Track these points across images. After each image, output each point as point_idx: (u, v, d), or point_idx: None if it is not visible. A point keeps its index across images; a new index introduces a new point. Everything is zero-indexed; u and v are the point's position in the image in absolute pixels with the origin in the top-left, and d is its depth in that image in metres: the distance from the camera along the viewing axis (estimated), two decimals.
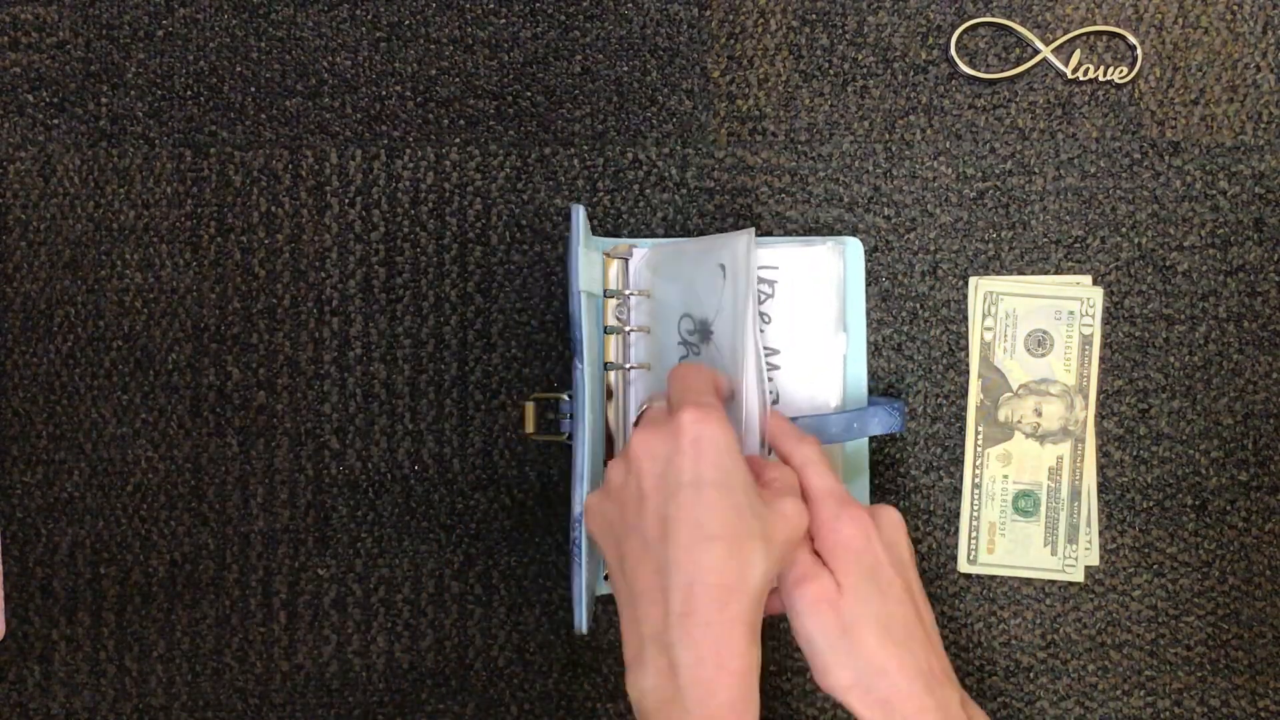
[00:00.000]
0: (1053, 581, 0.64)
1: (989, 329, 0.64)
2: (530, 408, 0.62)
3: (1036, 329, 0.63)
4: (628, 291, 0.62)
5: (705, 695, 0.46)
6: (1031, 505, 0.63)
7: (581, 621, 0.56)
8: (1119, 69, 0.65)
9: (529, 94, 0.65)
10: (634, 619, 0.49)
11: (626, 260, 0.63)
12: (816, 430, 0.58)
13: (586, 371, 0.55)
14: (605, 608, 0.65)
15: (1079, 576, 0.63)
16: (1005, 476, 0.64)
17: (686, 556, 0.47)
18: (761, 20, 0.65)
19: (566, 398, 0.60)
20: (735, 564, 0.47)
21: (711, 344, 0.59)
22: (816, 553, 0.51)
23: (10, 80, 0.65)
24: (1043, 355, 0.63)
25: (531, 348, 0.65)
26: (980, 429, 0.64)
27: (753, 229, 0.58)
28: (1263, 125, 0.65)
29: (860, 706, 0.49)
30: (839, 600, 0.50)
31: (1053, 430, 0.64)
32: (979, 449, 0.64)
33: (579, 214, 0.56)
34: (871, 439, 0.64)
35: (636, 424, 0.55)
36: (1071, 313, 0.63)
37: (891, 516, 0.53)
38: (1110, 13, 0.65)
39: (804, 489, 0.52)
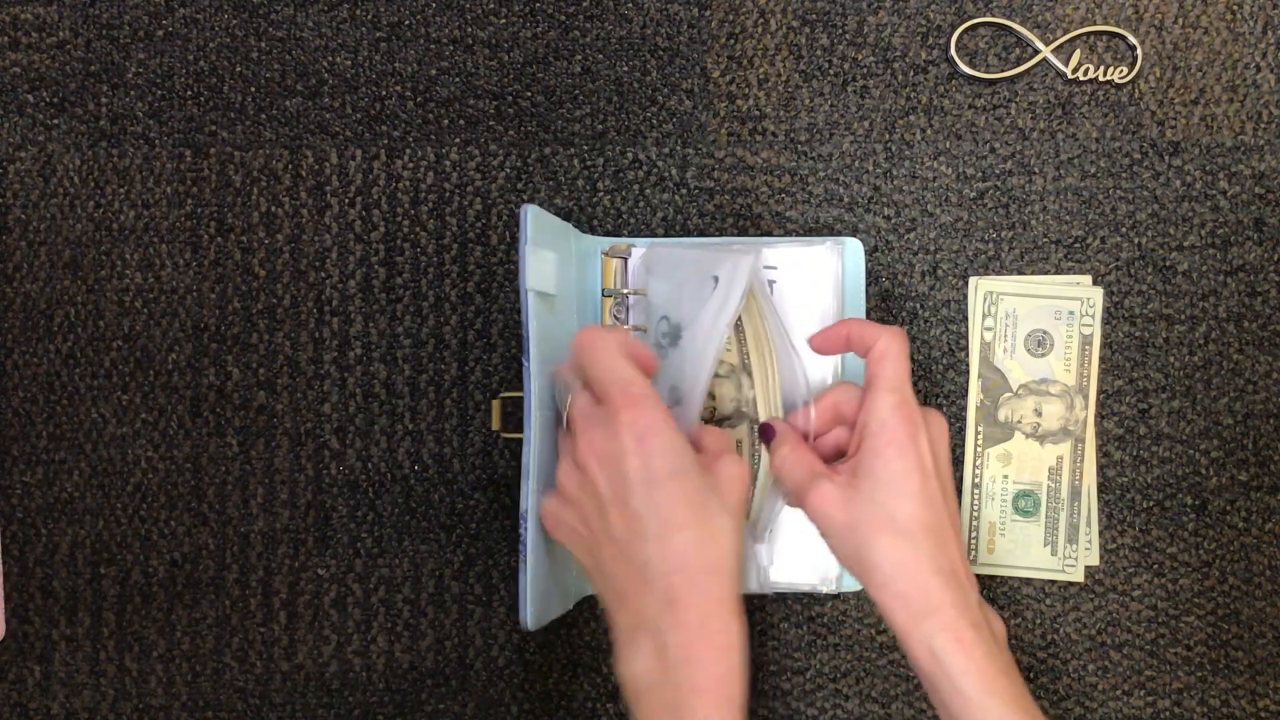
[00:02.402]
0: (1053, 581, 0.64)
1: (989, 329, 0.64)
2: (496, 405, 0.62)
3: (1036, 329, 0.63)
4: (625, 291, 0.62)
5: (694, 671, 0.48)
6: (1032, 505, 0.63)
7: (527, 617, 0.56)
8: (1119, 69, 0.65)
9: (529, 94, 0.65)
10: (622, 612, 0.51)
11: (625, 260, 0.63)
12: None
13: (534, 370, 0.55)
14: (596, 609, 0.64)
15: (1079, 576, 0.63)
16: (1005, 476, 0.64)
17: (661, 550, 0.49)
18: (761, 20, 0.65)
19: None
20: (710, 547, 0.50)
21: (679, 348, 0.58)
22: (825, 454, 0.55)
23: (10, 80, 0.65)
24: (1043, 355, 0.63)
25: None
26: (980, 429, 0.64)
27: (758, 250, 0.58)
28: (1263, 125, 0.65)
29: (880, 596, 0.51)
30: (845, 498, 0.52)
31: (1053, 430, 0.64)
32: (979, 449, 0.64)
33: (527, 214, 0.55)
34: None
35: (567, 421, 0.55)
36: (1071, 313, 0.63)
37: (940, 423, 0.54)
38: (1110, 13, 0.65)
39: (873, 374, 0.53)
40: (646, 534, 0.49)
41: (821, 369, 0.62)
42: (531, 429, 0.55)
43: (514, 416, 0.64)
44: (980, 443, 0.64)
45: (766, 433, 0.56)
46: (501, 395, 0.63)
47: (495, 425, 0.63)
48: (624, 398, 0.51)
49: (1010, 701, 0.49)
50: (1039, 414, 0.63)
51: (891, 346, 0.53)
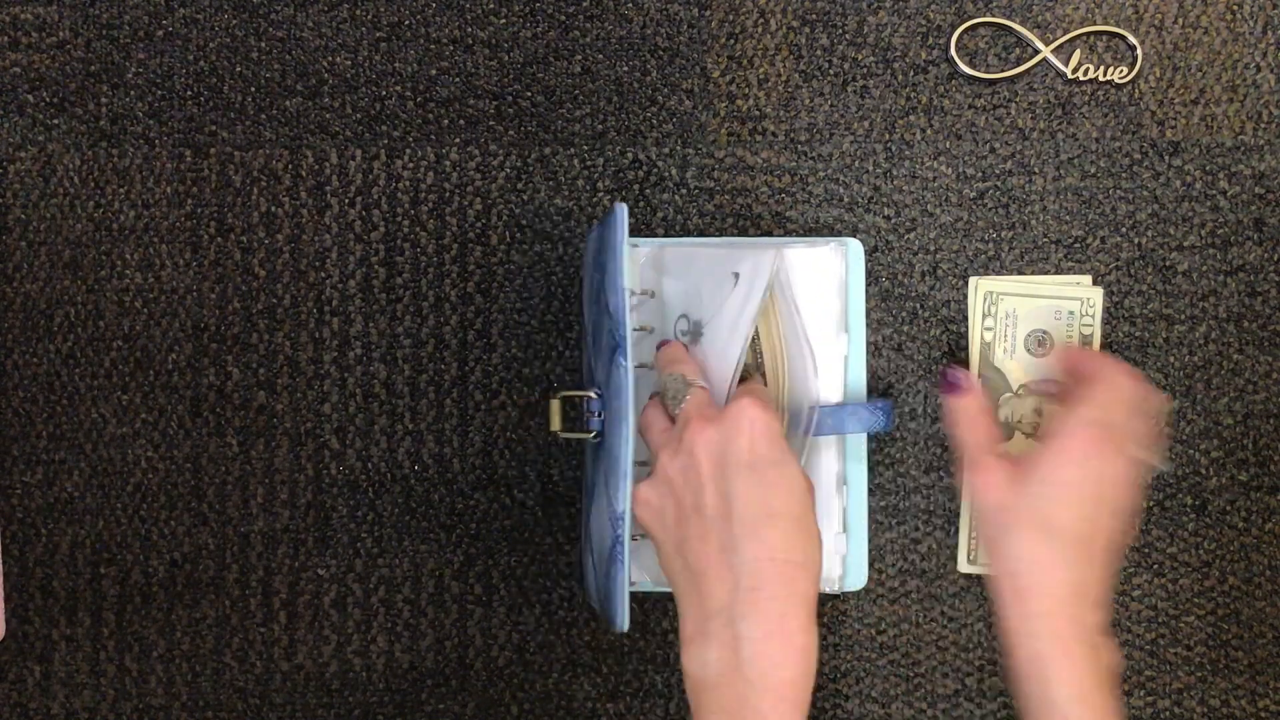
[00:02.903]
0: None
1: (989, 329, 0.63)
2: (556, 405, 0.61)
3: (1036, 329, 0.63)
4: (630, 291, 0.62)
5: (769, 668, 0.47)
6: None
7: (624, 620, 0.55)
8: (1119, 69, 0.65)
9: (529, 94, 0.65)
10: (696, 597, 0.50)
11: None
12: (791, 427, 0.58)
13: (631, 369, 0.55)
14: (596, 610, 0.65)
15: None
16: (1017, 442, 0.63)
17: (753, 533, 0.49)
18: (761, 20, 0.65)
19: (593, 395, 0.59)
20: (800, 540, 0.49)
21: (700, 345, 0.58)
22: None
23: (10, 80, 0.65)
24: (1043, 355, 0.63)
25: (531, 348, 0.65)
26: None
27: (779, 248, 0.58)
28: (1263, 125, 0.65)
29: (1002, 583, 0.50)
30: (1008, 483, 0.51)
31: None
32: None
33: (623, 213, 0.55)
34: (871, 436, 0.64)
35: (679, 415, 0.54)
36: (1072, 313, 0.63)
37: (1133, 473, 0.52)
38: (1110, 13, 0.65)
39: (1084, 394, 0.53)
40: (739, 516, 0.49)
41: (832, 375, 0.61)
42: (629, 428, 0.55)
43: (568, 416, 0.63)
44: None
45: (953, 379, 0.56)
46: (560, 394, 0.62)
47: (555, 426, 0.61)
48: (749, 393, 0.52)
49: None
50: (1040, 414, 0.63)
51: (1117, 378, 0.53)
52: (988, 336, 0.64)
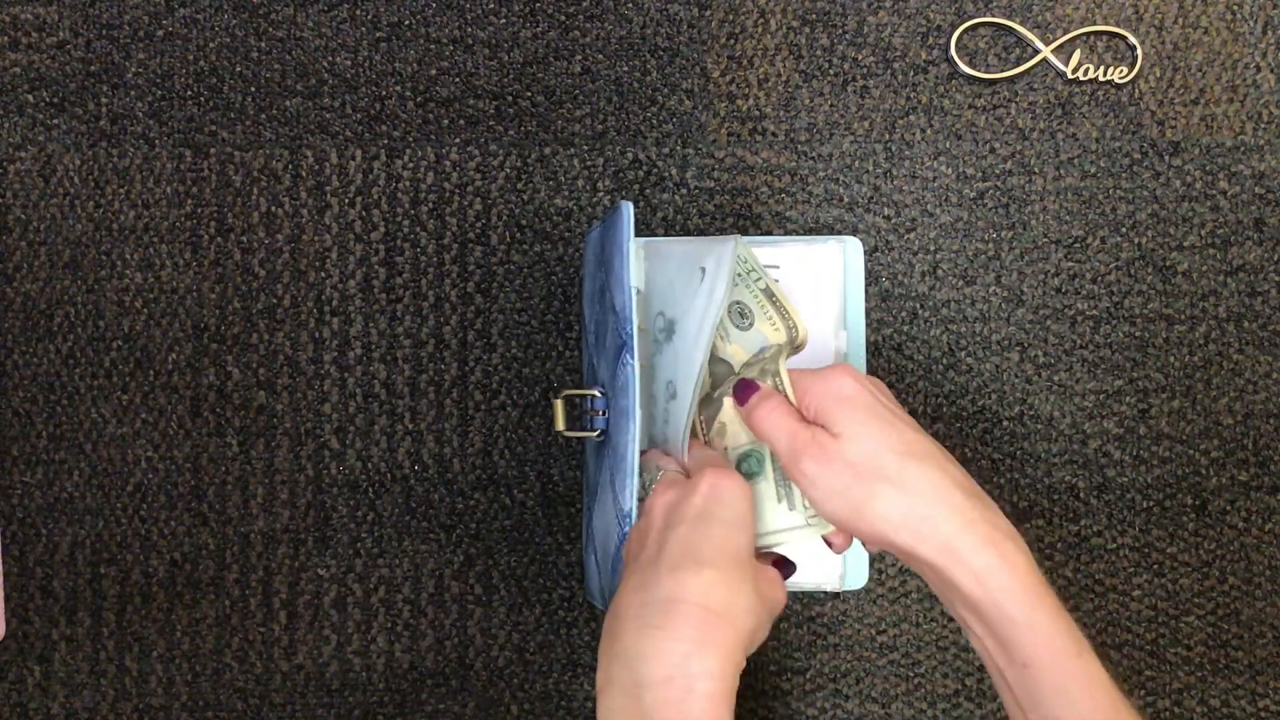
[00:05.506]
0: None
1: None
2: (560, 404, 0.61)
3: (734, 302, 0.56)
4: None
5: (671, 717, 0.43)
6: (755, 464, 0.55)
7: None
8: (1119, 69, 0.65)
9: (529, 94, 0.65)
10: (608, 642, 0.46)
11: None
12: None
13: (638, 367, 0.55)
14: (595, 610, 0.64)
15: (830, 527, 0.54)
16: (725, 449, 0.56)
17: (673, 576, 0.45)
18: (761, 20, 0.65)
19: (597, 394, 0.59)
20: (722, 591, 0.45)
21: (673, 342, 0.58)
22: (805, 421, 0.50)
23: (10, 80, 0.65)
24: (750, 326, 0.56)
25: (531, 348, 0.65)
26: (701, 413, 0.56)
27: (737, 236, 0.57)
28: (1263, 125, 0.65)
29: (899, 537, 0.47)
30: (841, 447, 0.48)
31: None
32: (703, 433, 0.56)
33: (629, 211, 0.55)
34: None
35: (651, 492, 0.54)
36: (741, 276, 0.56)
37: (873, 378, 0.52)
38: (1110, 13, 0.65)
39: (785, 382, 0.51)
40: (667, 558, 0.46)
41: (823, 351, 0.61)
42: (635, 426, 0.55)
43: (575, 415, 0.62)
44: (704, 427, 0.56)
45: (745, 390, 0.53)
46: (565, 394, 0.61)
47: (559, 425, 0.60)
48: (716, 468, 0.49)
49: (1060, 618, 0.45)
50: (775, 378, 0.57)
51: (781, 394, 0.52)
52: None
